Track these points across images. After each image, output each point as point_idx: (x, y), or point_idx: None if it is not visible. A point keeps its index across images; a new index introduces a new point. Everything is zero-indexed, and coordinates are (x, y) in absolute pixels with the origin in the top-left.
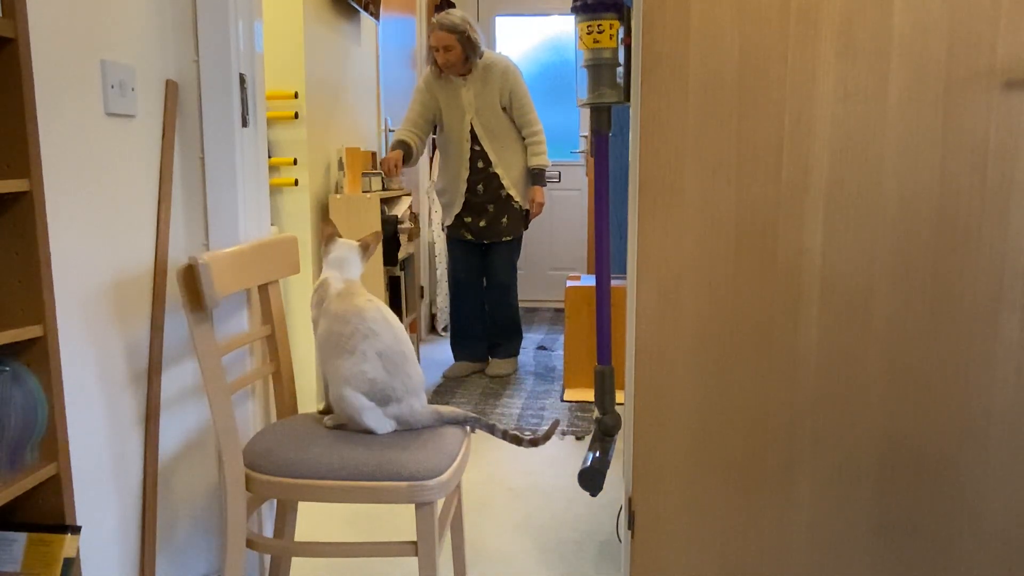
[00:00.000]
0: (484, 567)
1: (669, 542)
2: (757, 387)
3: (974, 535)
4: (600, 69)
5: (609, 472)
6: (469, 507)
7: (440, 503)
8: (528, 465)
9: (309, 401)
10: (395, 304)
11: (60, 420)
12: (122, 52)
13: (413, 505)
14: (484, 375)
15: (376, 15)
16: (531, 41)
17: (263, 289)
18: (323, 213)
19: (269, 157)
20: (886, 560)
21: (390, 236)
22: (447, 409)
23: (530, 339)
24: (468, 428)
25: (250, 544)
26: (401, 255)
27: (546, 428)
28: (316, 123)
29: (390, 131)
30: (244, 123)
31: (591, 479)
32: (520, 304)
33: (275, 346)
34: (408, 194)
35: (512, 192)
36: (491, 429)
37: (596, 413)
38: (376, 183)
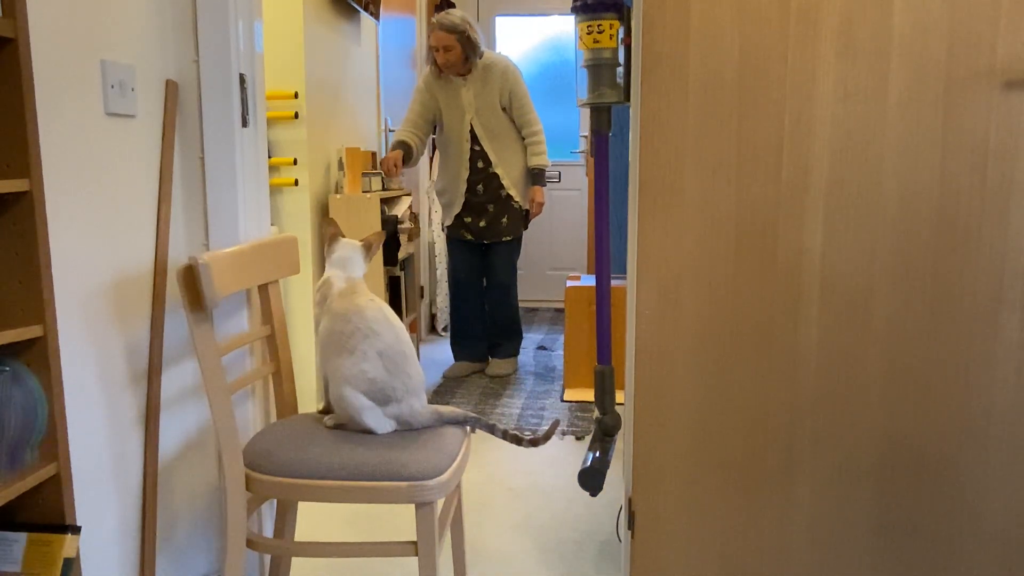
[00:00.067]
0: (484, 567)
1: (669, 542)
2: (757, 387)
3: (974, 535)
4: (600, 69)
5: (609, 472)
6: (469, 507)
7: (440, 503)
8: (528, 465)
9: (309, 401)
10: (395, 304)
11: (60, 420)
12: (122, 52)
13: (413, 505)
14: (484, 375)
15: (376, 15)
16: (531, 41)
17: (263, 289)
18: (323, 213)
19: (269, 157)
20: (886, 560)
21: (390, 236)
22: (447, 409)
23: (530, 339)
24: (468, 428)
25: (250, 544)
26: (401, 255)
27: (546, 428)
28: (316, 123)
29: (390, 131)
30: (244, 123)
31: (591, 479)
32: (520, 304)
33: (275, 346)
34: (408, 194)
35: (512, 192)
36: (491, 429)
37: (596, 413)
38: (376, 183)
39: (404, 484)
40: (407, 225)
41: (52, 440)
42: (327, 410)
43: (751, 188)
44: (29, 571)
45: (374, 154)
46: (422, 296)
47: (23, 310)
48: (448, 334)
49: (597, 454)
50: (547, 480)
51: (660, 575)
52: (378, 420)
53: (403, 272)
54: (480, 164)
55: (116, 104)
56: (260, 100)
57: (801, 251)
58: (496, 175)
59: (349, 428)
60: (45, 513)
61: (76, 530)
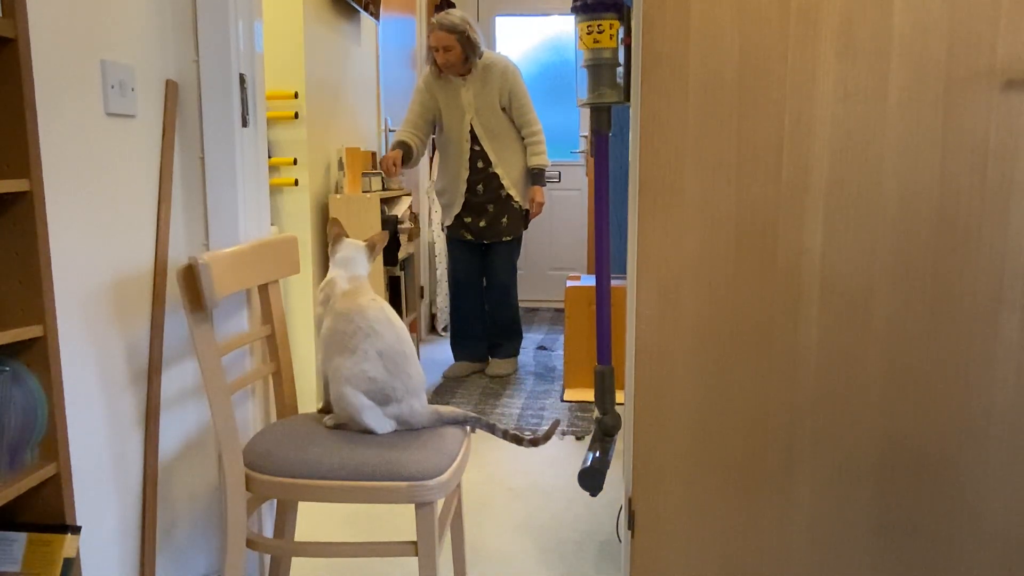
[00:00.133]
0: (484, 567)
1: (669, 542)
2: (757, 387)
3: (974, 535)
4: (600, 69)
5: (609, 472)
6: (469, 507)
7: (440, 503)
8: (528, 465)
9: (309, 401)
10: (395, 304)
11: (60, 420)
12: (122, 52)
13: (413, 505)
14: (484, 375)
15: (376, 15)
16: (531, 41)
17: (263, 289)
18: (323, 213)
19: (269, 157)
20: (886, 560)
21: (390, 236)
22: (447, 409)
23: (530, 339)
24: (468, 428)
25: (250, 544)
26: (401, 255)
27: (546, 428)
28: (316, 123)
29: (390, 131)
30: (244, 123)
31: (591, 479)
32: (520, 304)
33: (275, 346)
34: (408, 194)
35: (512, 192)
36: (491, 429)
37: (596, 413)
38: (376, 183)
39: (404, 484)
40: (407, 225)
41: (52, 440)
42: (326, 409)
43: (751, 188)
44: (29, 571)
45: (374, 154)
46: (422, 296)
47: (23, 310)
48: (448, 334)
49: (597, 454)
50: (547, 480)
51: (660, 575)
52: (378, 420)
53: (403, 272)
54: (480, 164)
55: (116, 104)
56: (260, 100)
57: (801, 251)
58: (496, 175)
59: (349, 428)
60: (45, 513)
61: (76, 530)
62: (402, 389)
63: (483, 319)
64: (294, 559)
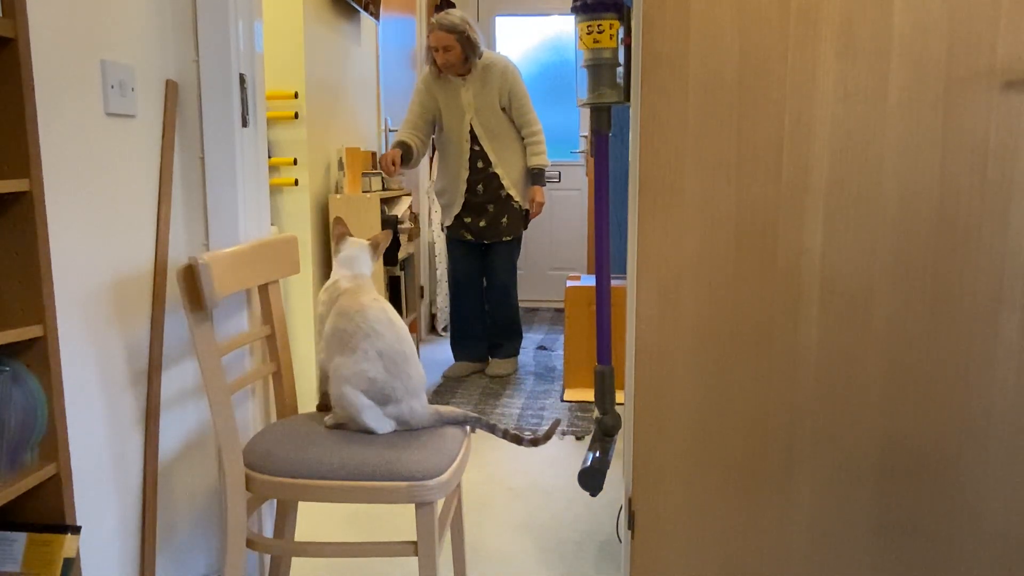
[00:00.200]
0: (484, 567)
1: (669, 542)
2: (757, 387)
3: (974, 535)
4: (600, 69)
5: (609, 472)
6: (469, 507)
7: (440, 503)
8: (528, 465)
9: (309, 401)
10: (395, 304)
11: (60, 420)
12: (122, 52)
13: (413, 505)
14: (484, 375)
15: (376, 15)
16: (531, 41)
17: (263, 289)
18: (323, 213)
19: (269, 157)
20: (886, 560)
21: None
22: (447, 409)
23: (530, 339)
24: (468, 428)
25: (250, 544)
26: (401, 255)
27: (546, 428)
28: (316, 123)
29: (390, 131)
30: (244, 123)
31: (591, 479)
32: (520, 304)
33: (275, 346)
34: (408, 194)
35: (512, 192)
36: (491, 429)
37: (596, 413)
38: (376, 183)
39: (404, 484)
40: (407, 225)
41: (52, 440)
42: (323, 404)
43: (751, 188)
44: (29, 571)
45: (374, 154)
46: (422, 296)
47: (23, 310)
48: (448, 334)
49: (597, 454)
50: (547, 480)
51: (660, 575)
52: (378, 420)
53: (403, 272)
54: (480, 164)
55: (116, 104)
56: (260, 100)
57: (801, 251)
58: (496, 175)
59: (349, 428)
60: (45, 513)
61: (76, 530)
62: (402, 389)
63: (483, 319)
64: (294, 559)
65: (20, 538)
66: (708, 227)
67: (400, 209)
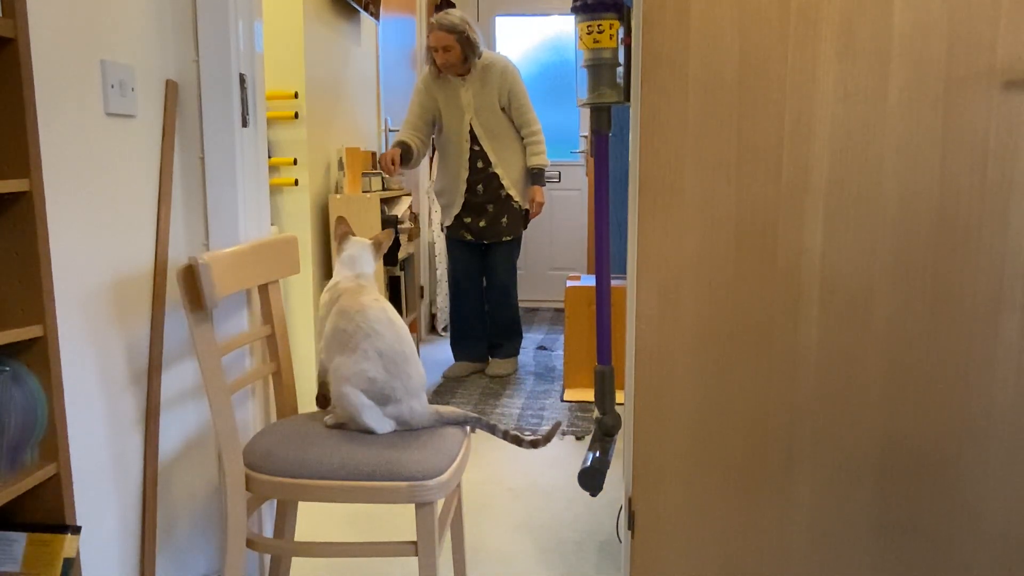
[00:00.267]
0: (484, 567)
1: (669, 542)
2: (757, 387)
3: (974, 535)
4: (600, 69)
5: (609, 472)
6: (469, 507)
7: (440, 503)
8: (528, 465)
9: (309, 401)
10: (395, 304)
11: (60, 420)
12: (122, 52)
13: (413, 505)
14: (484, 375)
15: (376, 15)
16: (531, 41)
17: (263, 289)
18: (323, 213)
19: (269, 157)
20: (886, 560)
21: None
22: (447, 409)
23: (530, 339)
24: (468, 428)
25: (250, 544)
26: (401, 255)
27: (547, 428)
28: (316, 123)
29: (390, 131)
30: (244, 123)
31: (591, 479)
32: (520, 304)
33: (275, 346)
34: (408, 194)
35: (512, 192)
36: (492, 429)
37: (596, 413)
38: (376, 183)
39: (404, 484)
40: (407, 225)
41: (52, 440)
42: (323, 392)
43: (751, 188)
44: (29, 571)
45: (374, 154)
46: (422, 296)
47: (23, 310)
48: (448, 334)
49: (597, 454)
50: (547, 480)
51: (660, 575)
52: (378, 420)
53: (403, 272)
54: (480, 164)
55: (116, 104)
56: (260, 100)
57: (801, 251)
58: (496, 175)
59: (349, 428)
60: (45, 513)
61: (76, 530)
62: (401, 390)
63: (483, 319)
64: (294, 559)
65: (20, 538)
66: (708, 227)
67: (400, 209)
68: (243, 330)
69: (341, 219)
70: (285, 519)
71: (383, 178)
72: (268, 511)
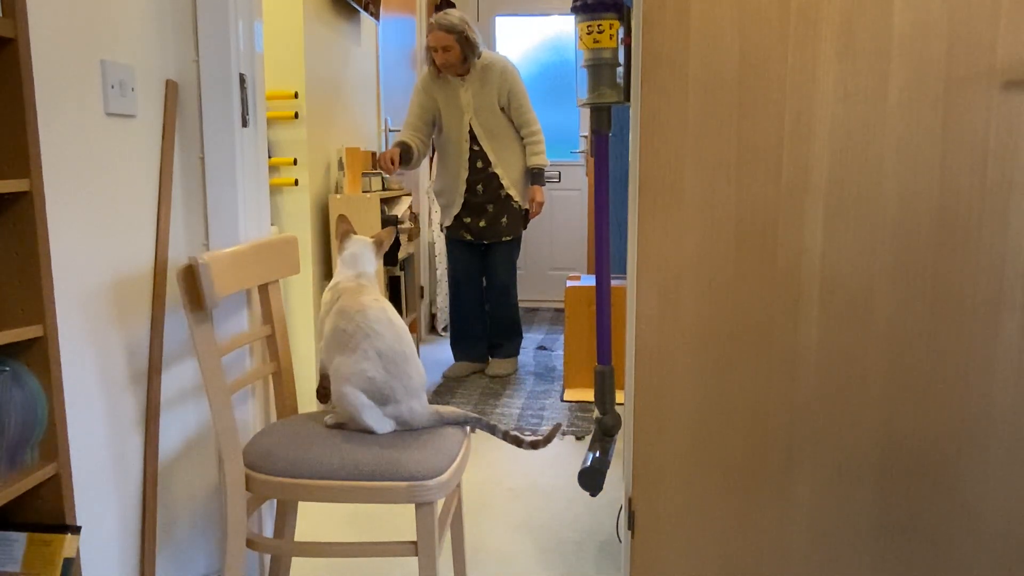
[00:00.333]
0: (484, 567)
1: (669, 542)
2: (757, 387)
3: (974, 535)
4: (600, 69)
5: (609, 472)
6: (469, 507)
7: (440, 503)
8: (528, 465)
9: (309, 401)
10: (395, 304)
11: (60, 420)
12: (122, 52)
13: (413, 505)
14: (484, 375)
15: (376, 15)
16: (531, 41)
17: (263, 289)
18: (323, 213)
19: (269, 157)
20: (886, 560)
21: None
22: (447, 409)
23: (530, 339)
24: (468, 428)
25: (250, 544)
26: (401, 255)
27: (547, 429)
28: (316, 123)
29: (390, 131)
30: (244, 123)
31: (591, 479)
32: (520, 304)
33: (275, 346)
34: (408, 194)
35: (512, 192)
36: (492, 430)
37: (596, 413)
38: (376, 183)
39: (404, 484)
40: (407, 225)
41: (52, 440)
42: (323, 386)
43: (751, 188)
44: (29, 571)
45: (374, 154)
46: (422, 296)
47: (23, 310)
48: (448, 334)
49: (597, 454)
50: (547, 480)
51: (660, 575)
52: (377, 419)
53: (403, 272)
54: (479, 164)
55: (116, 104)
56: (260, 100)
57: (801, 251)
58: (495, 175)
59: (349, 428)
60: (45, 513)
61: (76, 530)
62: (401, 390)
63: (483, 319)
64: (294, 559)
65: (20, 538)
66: (708, 227)
67: (400, 209)
68: (243, 330)
69: (342, 217)
70: (285, 519)
71: (383, 178)
72: (268, 511)
